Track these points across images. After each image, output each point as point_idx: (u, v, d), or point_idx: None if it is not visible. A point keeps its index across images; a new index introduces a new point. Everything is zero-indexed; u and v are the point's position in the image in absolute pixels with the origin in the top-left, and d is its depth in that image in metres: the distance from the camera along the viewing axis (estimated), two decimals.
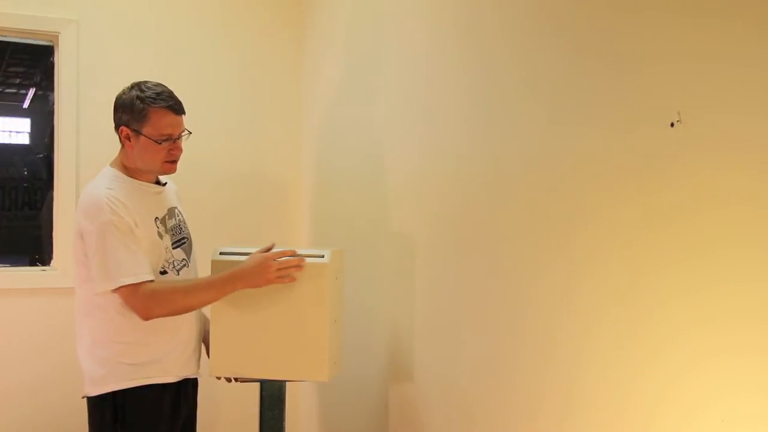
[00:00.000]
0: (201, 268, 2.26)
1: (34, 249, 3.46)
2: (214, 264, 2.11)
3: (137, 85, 2.09)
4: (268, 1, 3.47)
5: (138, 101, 2.05)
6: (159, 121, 2.05)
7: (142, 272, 1.99)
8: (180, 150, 2.12)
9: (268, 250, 2.09)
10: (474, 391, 1.96)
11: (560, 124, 1.61)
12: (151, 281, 2.00)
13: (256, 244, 2.16)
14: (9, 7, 3.07)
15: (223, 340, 2.10)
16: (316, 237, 3.27)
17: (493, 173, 1.88)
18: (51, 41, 3.18)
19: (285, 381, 2.19)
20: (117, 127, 2.10)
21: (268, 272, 2.02)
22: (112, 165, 2.13)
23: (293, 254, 2.07)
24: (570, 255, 1.58)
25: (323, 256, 2.07)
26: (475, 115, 1.96)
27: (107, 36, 3.21)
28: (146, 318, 2.00)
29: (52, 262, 3.18)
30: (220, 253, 2.13)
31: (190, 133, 2.14)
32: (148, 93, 2.06)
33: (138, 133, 2.05)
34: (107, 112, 2.12)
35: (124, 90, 2.11)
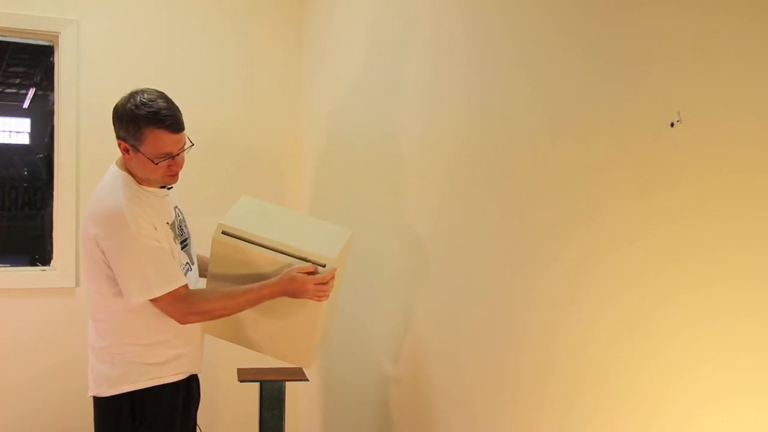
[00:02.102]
0: (202, 246, 2.24)
1: (34, 249, 3.46)
2: (215, 243, 2.03)
3: (133, 97, 1.96)
4: None
5: (134, 118, 1.93)
6: (156, 142, 1.94)
7: (178, 278, 1.98)
8: (180, 165, 2.03)
9: (312, 273, 2.00)
10: (475, 390, 1.96)
11: (560, 124, 1.61)
12: (185, 285, 2.00)
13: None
14: (9, 7, 3.07)
15: None
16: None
17: (494, 170, 1.88)
18: (51, 41, 3.18)
19: (280, 380, 2.19)
20: (117, 137, 2.01)
21: (307, 293, 2.00)
22: (118, 166, 2.06)
23: (332, 275, 2.02)
24: (571, 255, 1.58)
25: (325, 266, 2.03)
26: (478, 108, 1.96)
27: (107, 36, 3.21)
28: (184, 323, 2.02)
29: (52, 262, 3.18)
30: (222, 233, 2.03)
31: (192, 144, 2.04)
32: (144, 110, 1.92)
33: (136, 149, 1.96)
34: (107, 112, 2.06)
35: (121, 100, 1.99)
